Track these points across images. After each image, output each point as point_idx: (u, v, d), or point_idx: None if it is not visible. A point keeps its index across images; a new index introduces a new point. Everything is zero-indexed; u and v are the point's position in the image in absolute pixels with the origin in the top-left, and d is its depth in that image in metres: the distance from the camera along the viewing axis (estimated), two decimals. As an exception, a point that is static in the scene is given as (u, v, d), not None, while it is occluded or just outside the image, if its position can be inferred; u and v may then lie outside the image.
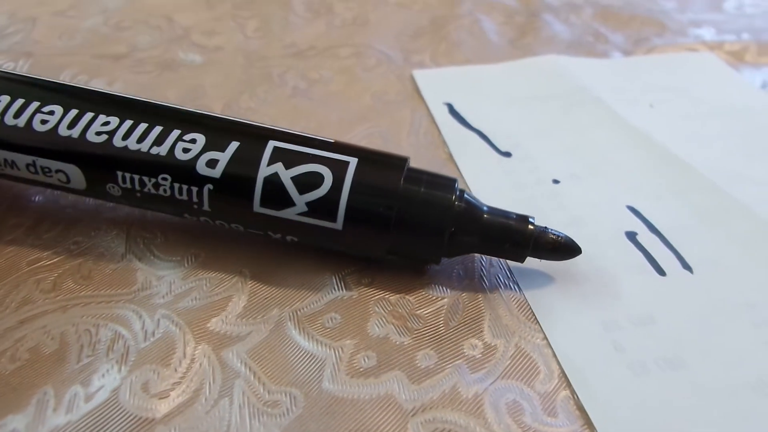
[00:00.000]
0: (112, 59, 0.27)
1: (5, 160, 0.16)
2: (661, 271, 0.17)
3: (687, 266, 0.17)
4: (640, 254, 0.18)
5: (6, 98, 0.16)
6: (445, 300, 0.16)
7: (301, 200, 0.15)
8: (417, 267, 0.17)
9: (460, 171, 0.21)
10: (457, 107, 0.24)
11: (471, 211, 0.16)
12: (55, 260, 0.17)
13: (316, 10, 0.31)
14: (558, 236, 0.16)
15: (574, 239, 0.16)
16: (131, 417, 0.13)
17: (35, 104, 0.16)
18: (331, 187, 0.15)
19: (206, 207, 0.16)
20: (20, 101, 0.16)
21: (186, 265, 0.17)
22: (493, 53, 0.28)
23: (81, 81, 0.25)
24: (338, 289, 0.16)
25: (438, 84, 0.25)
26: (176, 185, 0.15)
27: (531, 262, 0.17)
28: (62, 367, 0.14)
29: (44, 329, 0.15)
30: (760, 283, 0.17)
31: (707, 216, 0.19)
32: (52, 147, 0.16)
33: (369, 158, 0.16)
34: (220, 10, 0.31)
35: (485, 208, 0.16)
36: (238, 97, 0.24)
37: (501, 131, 0.23)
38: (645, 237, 0.18)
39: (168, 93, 0.24)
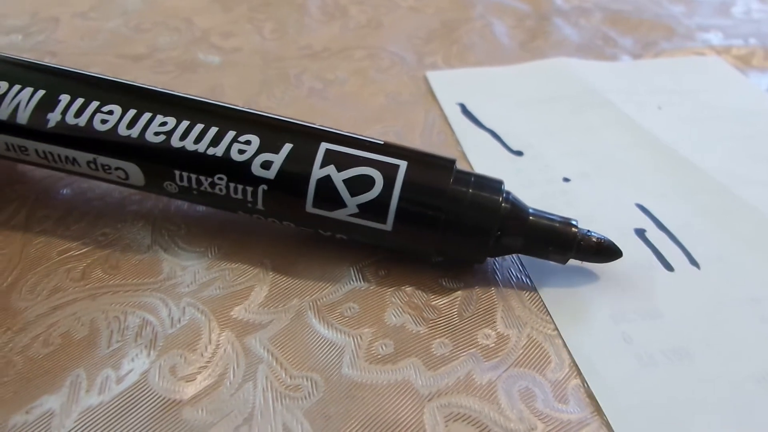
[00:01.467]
0: (134, 60, 0.27)
1: (66, 158, 0.17)
2: (669, 267, 0.18)
3: (694, 262, 0.18)
4: (648, 250, 0.18)
5: (66, 97, 0.16)
6: (459, 292, 0.17)
7: (352, 202, 0.15)
8: (461, 266, 0.17)
9: (474, 169, 0.21)
10: (470, 107, 0.24)
11: (517, 212, 0.16)
12: (83, 250, 0.18)
13: (330, 13, 0.32)
14: (601, 239, 0.16)
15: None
16: (160, 398, 0.14)
17: (95, 104, 0.16)
18: (382, 189, 0.15)
19: (260, 206, 0.16)
20: (80, 100, 0.16)
21: (209, 256, 0.18)
22: (504, 56, 0.29)
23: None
24: (356, 281, 0.17)
25: (451, 85, 0.26)
26: (232, 185, 0.16)
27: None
28: (93, 351, 0.15)
29: (75, 316, 0.16)
30: (765, 280, 0.18)
31: (713, 215, 0.20)
32: (113, 146, 0.16)
33: (418, 160, 0.16)
34: (237, 13, 0.32)
35: (530, 210, 0.16)
36: (257, 97, 0.25)
37: (512, 131, 0.23)
38: (653, 234, 0.19)
39: (189, 92, 0.25)
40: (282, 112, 0.24)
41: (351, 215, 0.16)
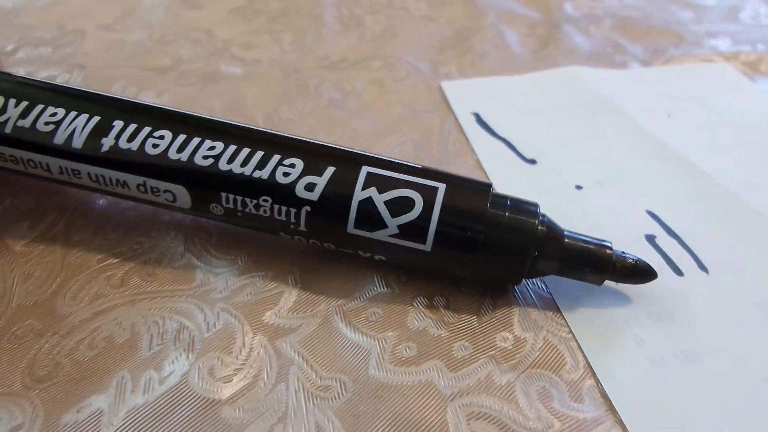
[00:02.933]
0: (159, 72, 0.28)
1: (117, 181, 0.17)
2: (678, 272, 0.19)
3: (703, 267, 0.19)
4: (658, 256, 0.19)
5: (120, 123, 0.17)
6: (478, 297, 0.18)
7: (393, 223, 0.16)
8: (497, 287, 0.18)
9: (489, 177, 0.22)
10: (484, 117, 0.25)
11: (553, 235, 0.17)
12: (121, 258, 0.19)
13: (346, 24, 0.33)
14: (636, 261, 0.17)
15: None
16: (200, 398, 0.15)
17: (147, 129, 0.17)
18: (422, 210, 0.16)
19: (303, 227, 0.17)
20: (133, 126, 0.17)
21: (240, 263, 0.19)
22: (516, 64, 0.30)
23: (131, 93, 0.27)
24: (379, 287, 0.18)
25: (465, 94, 0.27)
26: (276, 206, 0.17)
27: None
28: (135, 354, 0.16)
29: (116, 321, 0.17)
30: (772, 284, 0.18)
31: (722, 221, 0.20)
32: (163, 169, 0.17)
33: (456, 183, 0.17)
34: (256, 24, 0.33)
35: (566, 233, 0.17)
36: (278, 108, 0.26)
37: (526, 140, 0.24)
38: (663, 240, 0.20)
39: (213, 105, 0.26)
40: (303, 123, 0.25)
41: (391, 236, 0.16)
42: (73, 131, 0.17)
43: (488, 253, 0.16)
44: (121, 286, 0.18)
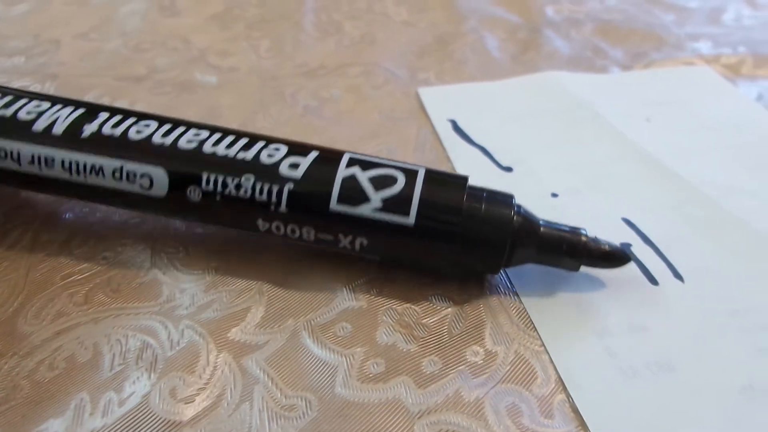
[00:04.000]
0: (133, 81, 0.28)
1: (93, 167, 0.17)
2: (653, 281, 0.18)
3: (678, 276, 0.18)
4: (633, 265, 0.19)
5: (106, 114, 0.18)
6: (449, 309, 0.17)
7: (377, 196, 0.16)
8: (476, 278, 0.18)
9: (464, 186, 0.22)
10: (461, 124, 0.25)
11: (529, 224, 0.17)
12: (86, 275, 0.18)
13: (325, 30, 0.33)
14: (609, 246, 0.17)
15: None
16: (161, 420, 0.15)
17: (133, 119, 0.18)
18: (405, 184, 0.16)
19: (283, 208, 0.17)
20: (119, 116, 0.18)
21: (207, 278, 0.18)
22: (495, 70, 0.29)
23: (105, 102, 0.26)
24: (349, 300, 0.18)
25: (442, 101, 0.26)
26: (258, 185, 0.16)
27: (530, 273, 0.18)
28: (96, 374, 0.16)
29: (78, 340, 0.16)
30: (749, 292, 0.18)
31: (700, 227, 0.20)
32: (144, 151, 0.17)
33: (434, 171, 0.17)
34: (234, 31, 0.33)
35: (541, 222, 0.17)
36: (254, 117, 0.26)
37: (502, 147, 0.24)
38: (639, 248, 0.19)
39: (187, 113, 0.26)
40: (278, 132, 0.25)
41: (375, 210, 0.16)
42: (56, 119, 0.17)
43: (467, 242, 0.16)
44: (84, 303, 0.17)
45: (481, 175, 0.22)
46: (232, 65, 0.29)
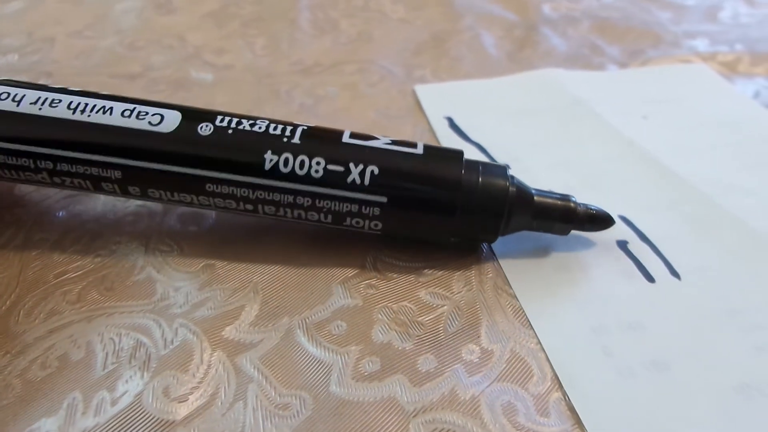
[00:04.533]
0: (128, 79, 0.28)
1: (102, 107, 0.17)
2: (650, 278, 0.18)
3: (675, 273, 0.18)
4: (630, 262, 0.19)
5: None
6: (445, 307, 0.17)
7: (385, 138, 0.17)
8: (472, 246, 0.19)
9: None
10: (457, 121, 0.25)
11: (523, 193, 0.18)
12: (79, 273, 0.18)
13: (321, 27, 0.33)
14: (593, 209, 0.19)
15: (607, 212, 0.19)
16: (154, 419, 0.14)
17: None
18: (408, 142, 0.18)
19: (296, 139, 0.17)
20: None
21: (201, 276, 0.18)
22: (492, 67, 0.29)
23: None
24: (344, 298, 0.17)
25: (438, 98, 0.26)
26: (273, 124, 0.17)
27: (528, 267, 0.18)
28: (89, 373, 0.15)
29: (71, 338, 0.16)
30: (746, 290, 0.18)
31: (697, 225, 0.20)
32: (158, 104, 0.18)
33: (432, 147, 0.18)
34: (230, 29, 0.32)
35: (533, 191, 0.18)
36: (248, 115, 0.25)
37: (499, 144, 0.24)
38: (636, 246, 0.19)
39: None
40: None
41: (386, 143, 0.17)
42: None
43: (468, 210, 0.17)
44: (77, 301, 0.17)
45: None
46: (228, 63, 0.29)
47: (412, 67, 0.29)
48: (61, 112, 0.17)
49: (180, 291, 0.18)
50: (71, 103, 0.17)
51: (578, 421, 0.15)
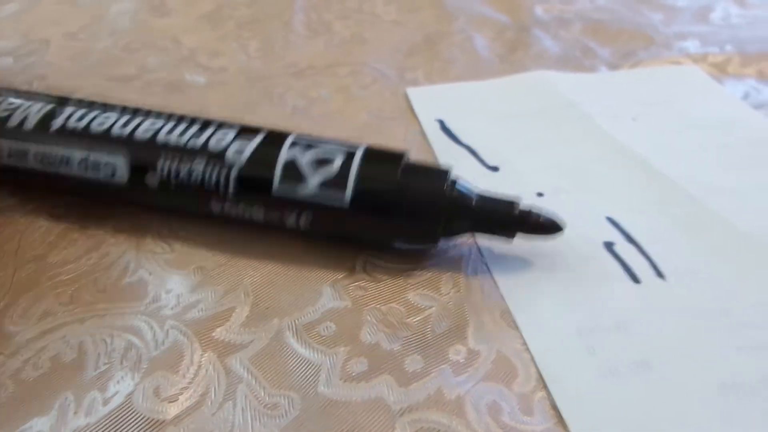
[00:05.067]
0: (122, 81, 0.28)
1: (62, 158, 0.19)
2: (635, 279, 0.18)
3: (660, 274, 0.19)
4: (616, 263, 0.19)
5: (71, 109, 0.19)
6: (433, 309, 0.17)
7: (314, 179, 0.17)
8: (418, 252, 0.19)
9: (450, 185, 0.22)
10: (448, 123, 0.25)
11: (462, 198, 0.18)
12: (72, 275, 0.18)
13: (315, 29, 0.33)
14: (540, 217, 0.18)
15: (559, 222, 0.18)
16: (144, 419, 0.15)
17: (96, 112, 0.19)
18: (342, 165, 0.17)
19: (231, 191, 0.18)
20: (83, 110, 0.19)
21: (192, 278, 0.18)
22: (484, 69, 0.29)
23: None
24: (334, 299, 0.18)
25: (430, 101, 0.27)
26: (207, 169, 0.18)
27: (515, 269, 0.18)
28: (81, 374, 0.16)
29: (64, 339, 0.17)
30: (731, 291, 0.18)
31: (683, 227, 0.20)
32: (105, 141, 0.18)
33: (373, 149, 0.18)
34: (224, 30, 0.33)
35: (475, 195, 0.18)
36: (242, 117, 0.25)
37: (489, 146, 0.24)
38: (622, 247, 0.20)
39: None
40: (266, 132, 0.25)
41: (314, 190, 0.17)
42: (27, 116, 0.19)
43: (403, 217, 0.18)
44: (70, 303, 0.18)
45: (467, 174, 0.22)
46: (222, 65, 0.29)
47: (405, 70, 0.29)
48: (31, 163, 0.19)
49: (171, 293, 0.18)
50: (36, 154, 0.19)
51: (561, 420, 0.15)
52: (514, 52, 0.31)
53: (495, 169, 0.23)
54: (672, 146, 0.24)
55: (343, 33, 0.33)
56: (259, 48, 0.31)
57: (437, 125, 0.25)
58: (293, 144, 0.18)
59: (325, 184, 0.17)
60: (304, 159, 0.18)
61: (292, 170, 0.17)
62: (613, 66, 0.30)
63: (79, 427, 0.14)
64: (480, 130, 0.25)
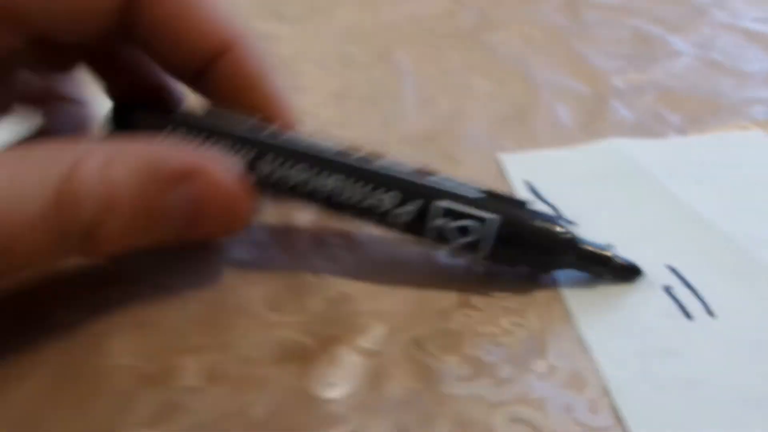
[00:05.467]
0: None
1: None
2: (688, 315, 0.23)
3: (710, 312, 0.23)
4: (672, 302, 0.24)
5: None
6: (522, 332, 0.23)
7: (455, 243, 0.24)
8: (533, 277, 0.25)
9: (535, 236, 0.27)
10: (535, 185, 0.31)
11: (572, 239, 0.24)
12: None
13: (423, 102, 0.40)
14: (626, 262, 0.24)
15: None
16: (316, 399, 0.21)
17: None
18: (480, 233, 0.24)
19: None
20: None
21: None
22: (566, 137, 0.35)
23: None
24: (444, 321, 0.24)
25: (520, 165, 0.32)
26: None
27: (589, 302, 0.23)
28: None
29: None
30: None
31: (735, 275, 0.24)
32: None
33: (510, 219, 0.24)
34: (349, 106, 0.40)
35: (579, 238, 0.24)
36: (367, 179, 0.32)
37: (569, 204, 0.29)
38: (678, 290, 0.24)
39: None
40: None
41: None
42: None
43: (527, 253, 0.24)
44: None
45: (549, 228, 0.28)
46: (351, 135, 0.37)
47: (497, 138, 0.35)
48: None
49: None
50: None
51: (619, 419, 0.20)
52: (594, 122, 0.36)
53: (572, 223, 0.28)
54: (731, 205, 0.28)
55: (443, 106, 0.39)
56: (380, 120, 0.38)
57: (525, 186, 0.31)
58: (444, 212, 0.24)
59: (463, 247, 0.24)
60: (446, 225, 0.24)
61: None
62: (682, 131, 0.34)
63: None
64: (561, 190, 0.30)
